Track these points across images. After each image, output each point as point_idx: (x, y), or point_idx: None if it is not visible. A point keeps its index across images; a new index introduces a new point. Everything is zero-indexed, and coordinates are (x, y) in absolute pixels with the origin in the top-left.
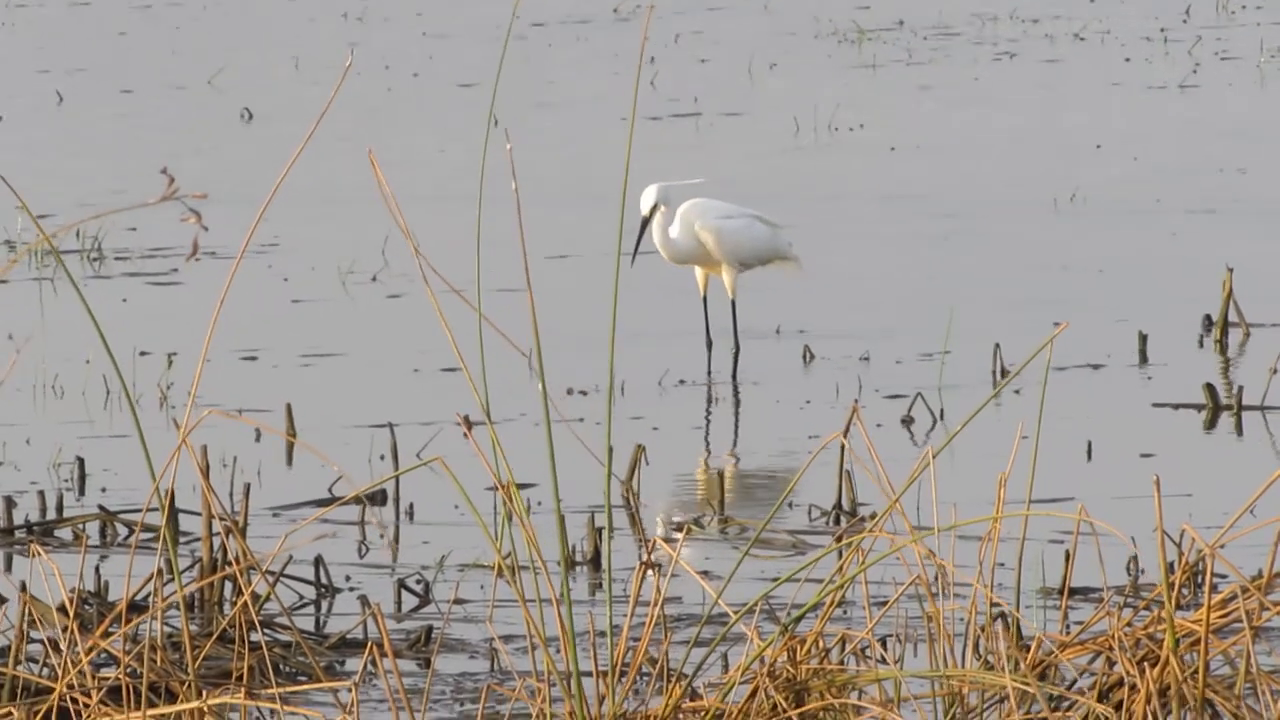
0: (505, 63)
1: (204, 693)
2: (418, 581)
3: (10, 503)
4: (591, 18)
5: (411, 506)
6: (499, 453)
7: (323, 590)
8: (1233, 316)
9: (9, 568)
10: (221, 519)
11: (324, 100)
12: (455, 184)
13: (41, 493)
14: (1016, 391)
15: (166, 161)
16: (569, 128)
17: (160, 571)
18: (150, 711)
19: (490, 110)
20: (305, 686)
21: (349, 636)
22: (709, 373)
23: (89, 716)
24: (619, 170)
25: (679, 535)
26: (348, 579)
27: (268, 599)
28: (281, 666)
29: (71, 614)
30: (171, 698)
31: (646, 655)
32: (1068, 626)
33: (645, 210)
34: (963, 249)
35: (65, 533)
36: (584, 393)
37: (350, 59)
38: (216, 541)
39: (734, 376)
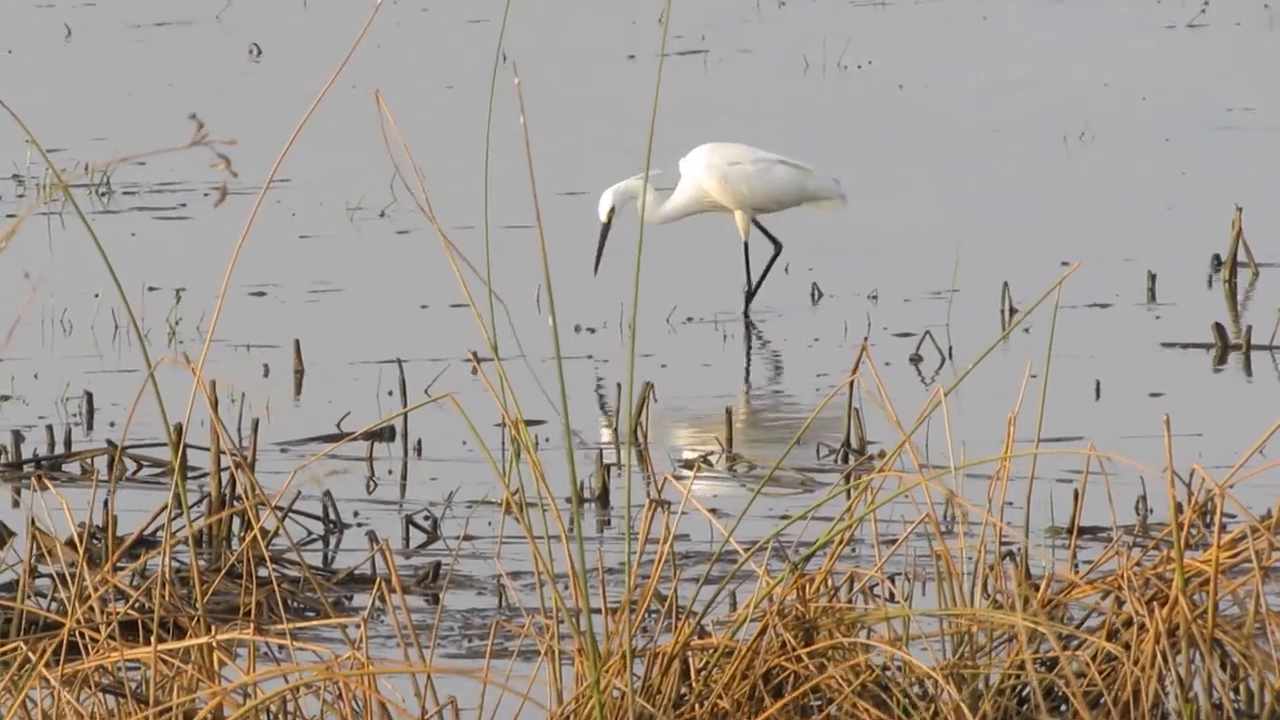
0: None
1: (212, 628)
2: (426, 518)
3: (19, 437)
4: None
5: (420, 443)
6: (506, 388)
7: (331, 526)
8: (1242, 256)
9: (17, 502)
10: (230, 454)
11: (333, 36)
12: (464, 120)
13: (50, 427)
14: (1025, 330)
15: (174, 97)
16: (579, 66)
17: (169, 506)
18: (160, 646)
19: (499, 45)
20: (313, 622)
21: (357, 572)
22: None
23: (97, 651)
24: (630, 108)
25: (688, 473)
26: (356, 515)
27: (276, 534)
28: (290, 602)
29: (80, 549)
30: (180, 633)
31: (655, 592)
32: (1077, 565)
33: (603, 216)
34: (971, 187)
35: (74, 467)
36: (591, 330)
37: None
38: (225, 477)
39: (746, 314)
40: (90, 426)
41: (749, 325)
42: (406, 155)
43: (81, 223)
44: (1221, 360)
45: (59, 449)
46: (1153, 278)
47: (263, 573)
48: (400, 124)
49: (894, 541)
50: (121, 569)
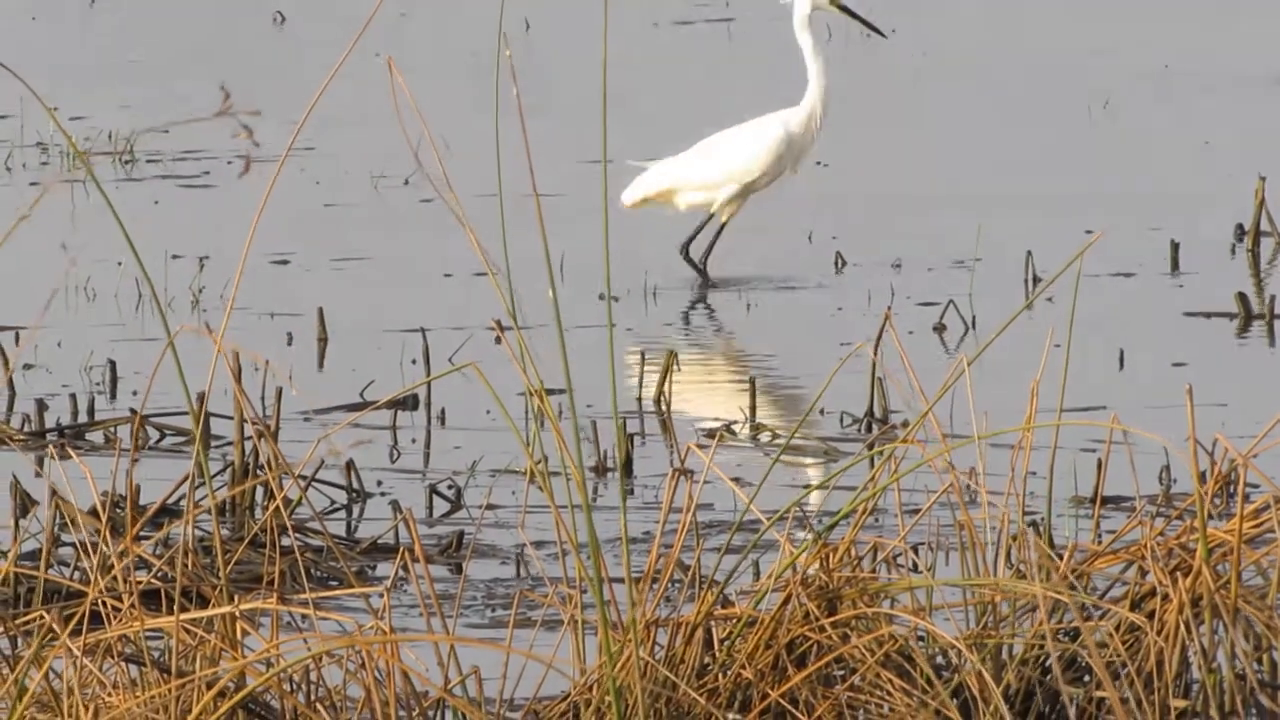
0: None
1: (235, 597)
2: (449, 487)
3: (42, 406)
4: None
5: (443, 411)
6: (526, 357)
7: (354, 495)
8: (1265, 225)
9: (40, 471)
10: (253, 423)
11: (357, 3)
12: (489, 88)
13: (73, 396)
14: (1049, 299)
15: (199, 64)
16: (598, 33)
17: (191, 476)
18: (182, 616)
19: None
20: (337, 592)
21: (380, 542)
22: (706, 281)
23: (120, 621)
24: (652, 75)
25: (711, 442)
26: (379, 484)
27: (299, 503)
28: (313, 571)
29: (104, 518)
30: (203, 602)
31: (678, 562)
32: (1100, 536)
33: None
34: (995, 157)
35: (97, 436)
36: (615, 298)
37: None
38: (248, 446)
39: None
40: (113, 395)
41: (774, 290)
42: (423, 125)
43: (107, 189)
44: (1245, 330)
45: (82, 418)
46: (1176, 247)
47: (286, 542)
48: (425, 92)
49: (917, 511)
50: (144, 538)
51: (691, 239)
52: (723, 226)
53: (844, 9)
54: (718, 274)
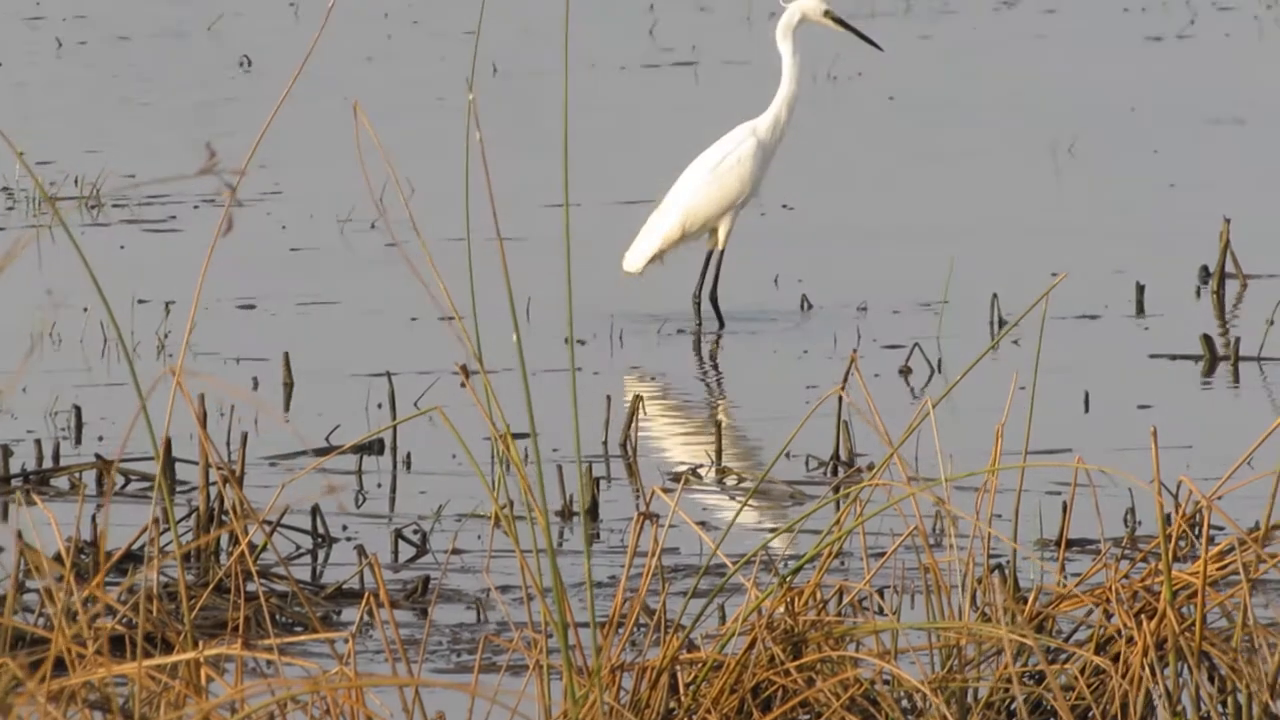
0: (503, 12)
1: (200, 643)
2: (415, 531)
3: (7, 451)
4: None
5: (409, 456)
6: (492, 402)
7: (319, 540)
8: (1230, 267)
9: (5, 516)
10: (218, 468)
11: (321, 46)
12: (456, 132)
13: (38, 441)
14: (1015, 342)
15: (165, 108)
16: (571, 77)
17: (156, 521)
18: (147, 662)
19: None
20: (302, 637)
21: (346, 587)
22: (698, 324)
23: (85, 667)
24: (619, 119)
25: (676, 485)
26: (345, 529)
27: (264, 549)
28: (278, 617)
29: (69, 564)
30: (168, 648)
31: (644, 606)
32: (1065, 578)
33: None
34: (960, 198)
35: (62, 481)
36: (581, 341)
37: (333, 2)
38: (213, 491)
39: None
40: (79, 440)
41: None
42: (389, 169)
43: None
44: (1209, 372)
45: (47, 463)
46: (1141, 289)
47: (251, 587)
48: (392, 136)
49: (883, 554)
50: (110, 584)
51: (702, 283)
52: (722, 256)
53: (838, 20)
54: (683, 314)
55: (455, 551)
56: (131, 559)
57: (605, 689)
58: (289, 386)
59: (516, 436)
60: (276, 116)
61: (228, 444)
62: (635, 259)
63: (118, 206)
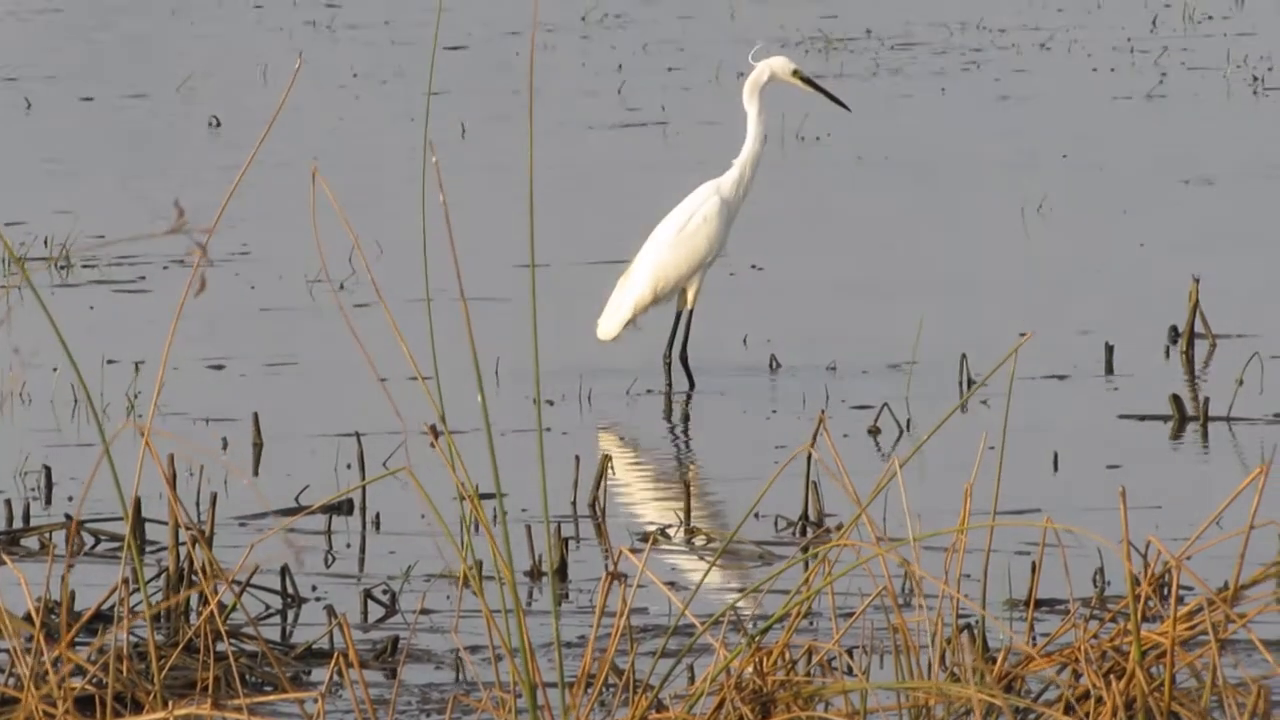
0: (474, 71)
1: (170, 703)
2: (384, 591)
3: None
4: (559, 26)
5: (378, 516)
6: (456, 462)
7: (289, 600)
8: (1199, 327)
9: None
10: (188, 528)
11: (290, 106)
12: (431, 190)
13: (8, 501)
14: (984, 402)
15: (135, 169)
16: (539, 135)
17: (126, 581)
18: None
19: (426, 133)
20: (271, 697)
21: (315, 646)
22: (669, 384)
23: None
24: (588, 179)
25: (645, 546)
26: (314, 589)
27: (234, 609)
28: (247, 677)
29: (38, 623)
30: (137, 708)
31: (612, 666)
32: (1034, 638)
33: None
34: (930, 258)
35: (32, 542)
36: (550, 402)
37: (300, 62)
38: (183, 551)
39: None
40: (49, 501)
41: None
42: (350, 232)
43: (43, 294)
44: (1179, 432)
45: (17, 523)
46: (1110, 349)
47: (220, 648)
48: (362, 196)
49: (851, 614)
50: (79, 644)
51: (671, 342)
52: (691, 315)
53: (807, 80)
54: (654, 374)
55: (424, 611)
56: (101, 619)
57: None
58: (258, 447)
59: (485, 497)
60: (246, 176)
61: (197, 504)
62: (609, 326)
63: (87, 267)
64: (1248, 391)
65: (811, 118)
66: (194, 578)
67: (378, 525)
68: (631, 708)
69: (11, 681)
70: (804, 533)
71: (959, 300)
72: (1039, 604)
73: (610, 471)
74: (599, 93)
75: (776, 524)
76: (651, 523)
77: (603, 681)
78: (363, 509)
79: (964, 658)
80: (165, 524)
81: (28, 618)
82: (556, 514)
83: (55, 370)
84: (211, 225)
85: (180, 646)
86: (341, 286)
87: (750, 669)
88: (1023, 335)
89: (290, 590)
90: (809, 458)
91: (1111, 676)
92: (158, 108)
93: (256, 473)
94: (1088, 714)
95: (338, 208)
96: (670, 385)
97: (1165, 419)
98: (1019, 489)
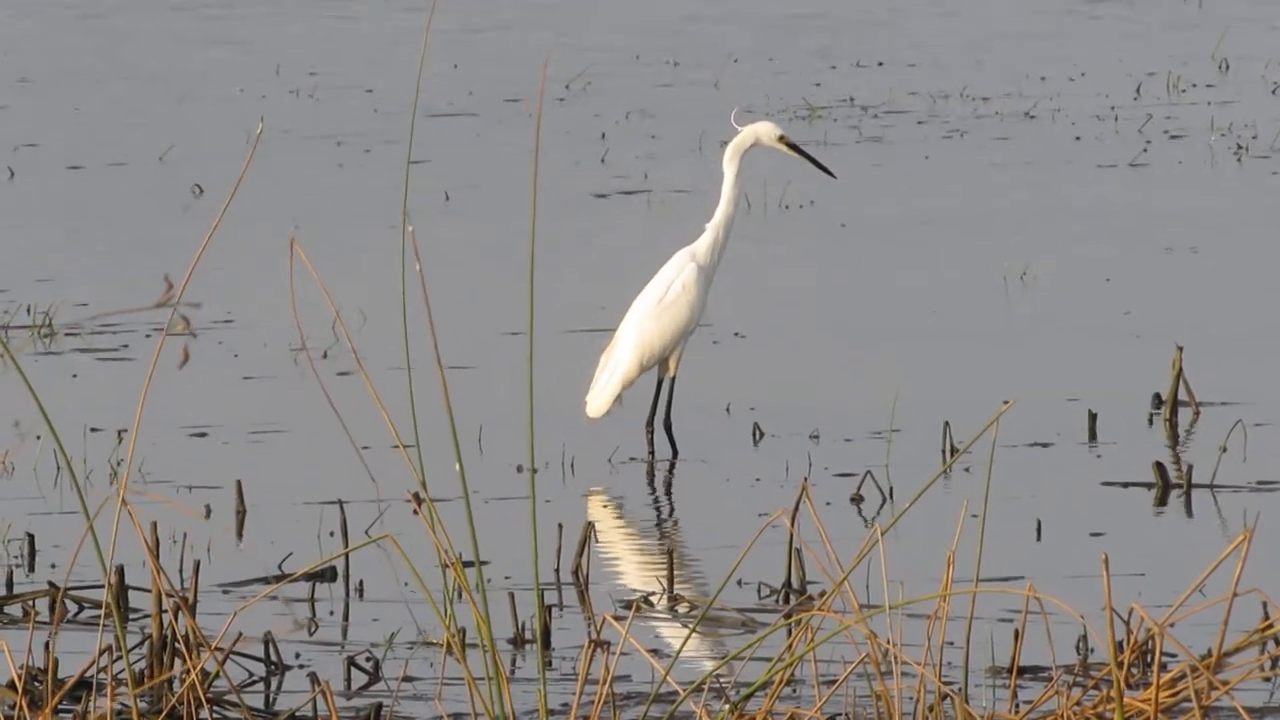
0: (453, 140)
1: None
2: (367, 659)
3: None
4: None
5: (361, 583)
6: (436, 528)
7: (272, 667)
8: (1182, 395)
9: None
10: (170, 596)
11: (274, 175)
12: (409, 259)
13: None
14: (966, 470)
15: (117, 237)
16: (519, 205)
17: (110, 649)
18: None
19: (404, 206)
20: None
21: (298, 714)
22: (651, 452)
23: None
24: (570, 247)
25: (628, 613)
26: (297, 656)
27: (217, 676)
28: None
29: (20, 691)
30: None
31: None
32: (1017, 705)
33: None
34: (913, 326)
35: (15, 609)
36: (535, 470)
37: (261, 127)
38: (166, 618)
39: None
40: (32, 568)
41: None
42: (329, 302)
43: (27, 363)
44: (1162, 500)
45: (0, 591)
46: (1093, 417)
47: (204, 715)
48: (346, 264)
49: (834, 681)
50: (63, 711)
51: (654, 410)
52: (674, 382)
53: (792, 146)
54: (636, 442)
55: (407, 679)
56: (85, 687)
57: None
58: (241, 514)
59: (469, 564)
60: (229, 244)
61: (180, 571)
62: (599, 404)
63: (70, 335)
64: (1231, 459)
65: (795, 184)
66: (177, 645)
67: (361, 592)
68: None
69: None
70: (787, 600)
71: (943, 367)
72: (1022, 671)
73: (593, 539)
74: (583, 161)
75: (760, 591)
76: (635, 590)
77: None
78: (346, 576)
79: None
80: (149, 591)
81: (11, 685)
82: (541, 581)
83: (39, 438)
84: (198, 302)
85: (164, 714)
86: (325, 355)
87: None
88: (1005, 403)
89: (274, 657)
90: (792, 525)
91: None
92: (140, 176)
93: (240, 540)
94: None
95: (317, 277)
96: (653, 453)
97: (1149, 486)
98: (1002, 556)
